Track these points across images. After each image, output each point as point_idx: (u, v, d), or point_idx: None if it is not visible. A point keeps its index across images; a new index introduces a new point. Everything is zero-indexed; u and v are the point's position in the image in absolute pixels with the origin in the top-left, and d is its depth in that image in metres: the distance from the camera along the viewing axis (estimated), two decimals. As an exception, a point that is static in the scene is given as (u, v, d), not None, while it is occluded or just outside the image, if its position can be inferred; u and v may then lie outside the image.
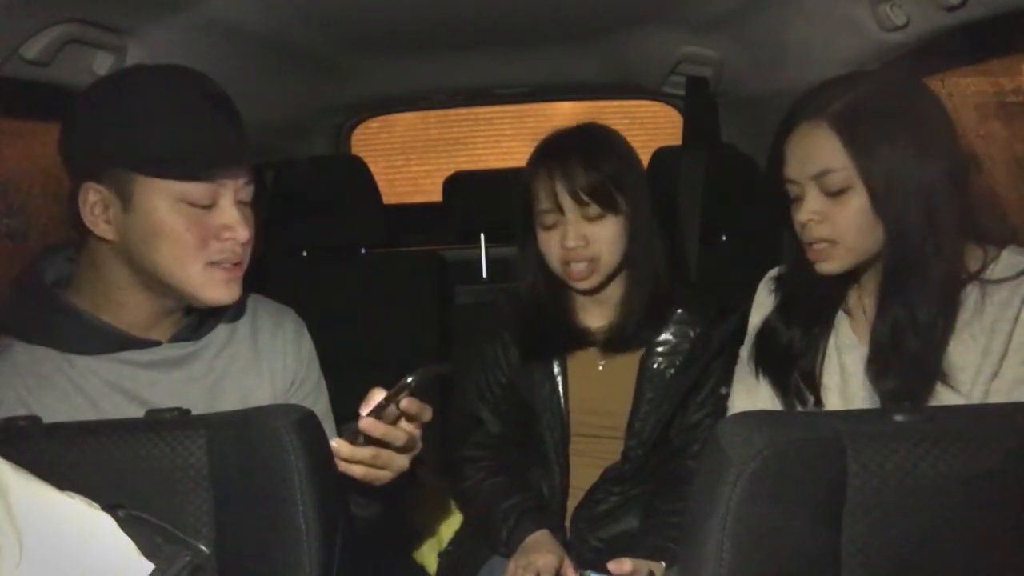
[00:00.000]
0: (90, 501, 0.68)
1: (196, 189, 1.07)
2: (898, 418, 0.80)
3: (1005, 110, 1.71)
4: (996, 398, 1.09)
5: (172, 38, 1.53)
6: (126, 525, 0.68)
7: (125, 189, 1.06)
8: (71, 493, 0.68)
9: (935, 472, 0.77)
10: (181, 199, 1.06)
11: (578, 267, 1.43)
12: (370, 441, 1.03)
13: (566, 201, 1.41)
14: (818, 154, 1.12)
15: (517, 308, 1.53)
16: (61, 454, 0.89)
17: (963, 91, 1.74)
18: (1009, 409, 0.97)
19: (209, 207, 1.09)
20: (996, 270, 1.12)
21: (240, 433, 0.92)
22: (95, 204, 1.07)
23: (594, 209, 1.41)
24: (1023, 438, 0.79)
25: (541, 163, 1.45)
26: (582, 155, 1.42)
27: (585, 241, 1.41)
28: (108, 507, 0.68)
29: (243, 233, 1.11)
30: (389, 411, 1.02)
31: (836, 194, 1.11)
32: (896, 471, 0.77)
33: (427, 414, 1.07)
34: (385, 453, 1.05)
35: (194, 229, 1.08)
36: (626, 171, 1.44)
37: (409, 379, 1.01)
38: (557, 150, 1.45)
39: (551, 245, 1.44)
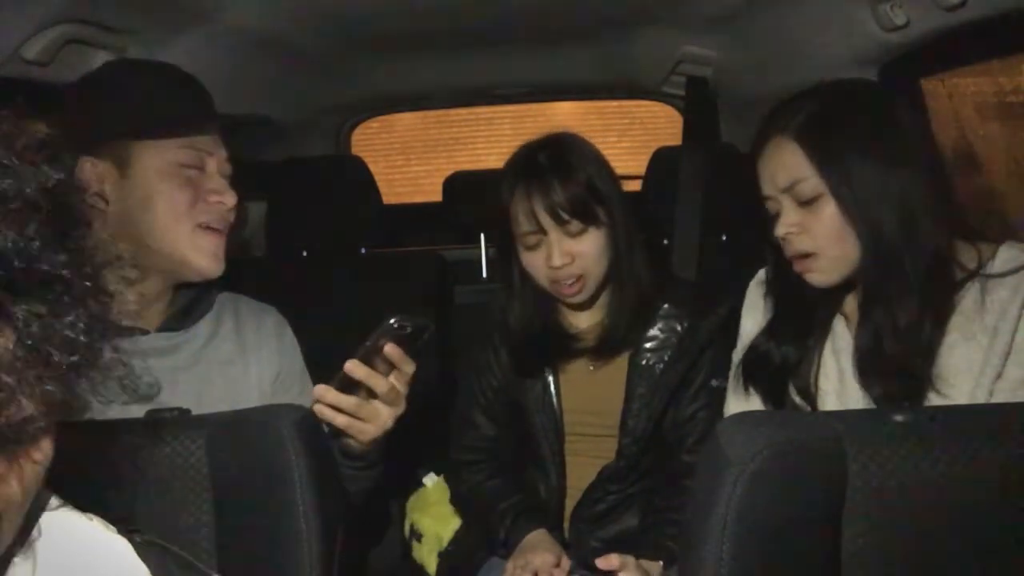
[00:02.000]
0: (107, 524, 0.67)
1: (187, 153, 1.16)
2: (898, 418, 0.80)
3: (1005, 110, 1.71)
4: (999, 399, 1.08)
5: (172, 38, 1.54)
6: (142, 550, 0.67)
7: (123, 156, 1.14)
8: (90, 516, 0.67)
9: (935, 472, 0.77)
10: (174, 162, 1.15)
11: (567, 284, 1.42)
12: (352, 390, 1.06)
13: (546, 220, 1.39)
14: (786, 167, 1.13)
15: (505, 323, 1.52)
16: (60, 454, 0.89)
17: (963, 91, 1.75)
18: (1009, 409, 0.96)
19: (199, 170, 1.17)
20: (994, 266, 1.11)
21: (240, 433, 0.93)
22: (91, 178, 1.13)
23: (575, 225, 1.39)
24: (1023, 438, 0.79)
25: (516, 183, 1.42)
26: (556, 172, 1.39)
27: (571, 258, 1.39)
28: (126, 531, 0.68)
29: (230, 198, 1.20)
30: (370, 353, 1.05)
31: (809, 203, 1.12)
32: (896, 471, 0.77)
33: (410, 366, 1.10)
34: (368, 405, 1.07)
35: (187, 189, 1.16)
36: (601, 180, 1.42)
37: (391, 321, 1.05)
38: (530, 168, 1.42)
39: (536, 265, 1.43)
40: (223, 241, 1.21)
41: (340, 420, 1.07)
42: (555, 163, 1.41)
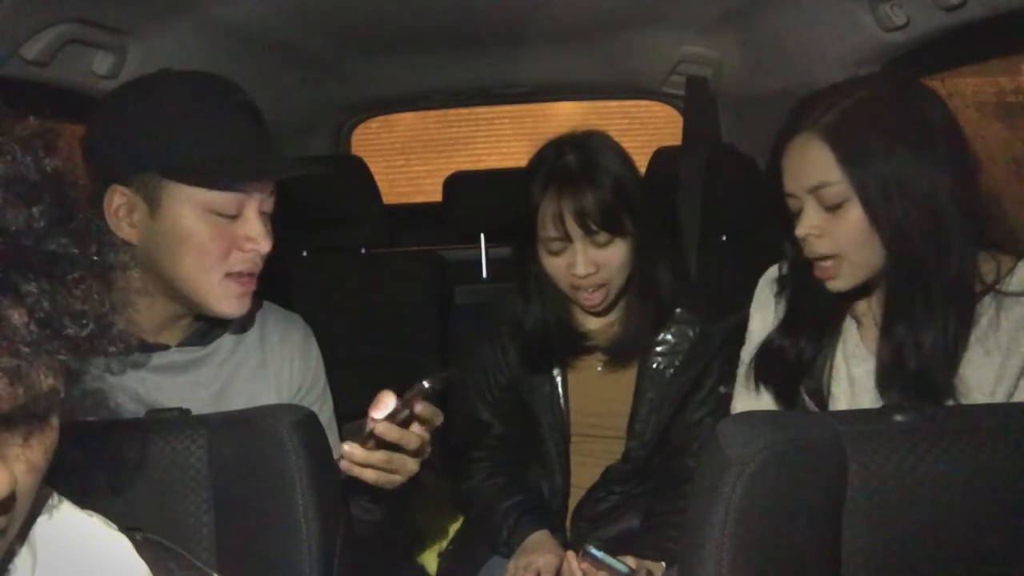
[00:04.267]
0: (108, 521, 0.68)
1: (225, 199, 1.07)
2: (898, 418, 0.80)
3: (1005, 110, 1.71)
4: None
5: (172, 38, 1.54)
6: (142, 548, 0.67)
7: (153, 194, 1.05)
8: (90, 512, 0.67)
9: (935, 472, 0.77)
10: (209, 208, 1.06)
11: (588, 292, 1.41)
12: (381, 445, 1.03)
13: (574, 229, 1.36)
14: (813, 167, 1.09)
15: (517, 319, 1.51)
16: (60, 453, 0.89)
17: (963, 91, 1.75)
18: (1009, 409, 0.96)
19: (234, 217, 1.09)
20: (1012, 282, 1.07)
21: (240, 433, 0.93)
22: (120, 207, 1.06)
23: (603, 236, 1.37)
24: (1023, 438, 0.79)
25: (546, 186, 1.39)
26: (587, 177, 1.36)
27: (595, 268, 1.38)
28: (125, 529, 0.68)
29: (265, 245, 1.12)
30: (402, 415, 1.02)
31: (834, 208, 1.08)
32: (896, 471, 0.77)
33: (439, 418, 1.07)
34: (397, 457, 1.04)
35: (219, 239, 1.08)
36: (631, 185, 1.39)
37: (425, 383, 1.01)
38: (560, 171, 1.38)
39: (559, 271, 1.41)
40: (253, 282, 1.14)
41: (368, 475, 1.04)
42: (586, 166, 1.37)
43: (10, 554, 0.59)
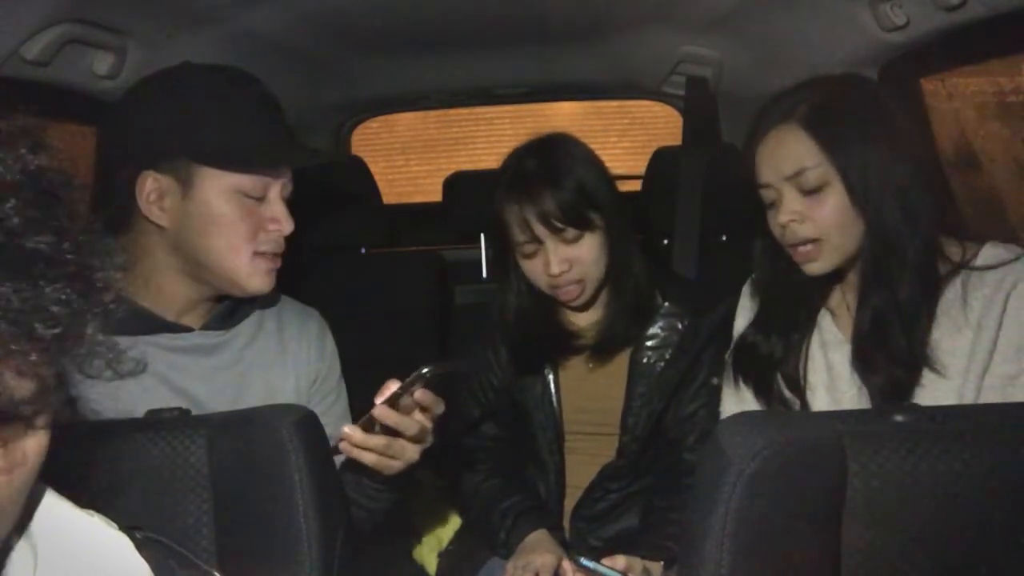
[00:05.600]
0: (108, 520, 0.68)
1: (251, 181, 1.13)
2: (898, 418, 0.80)
3: (1005, 110, 1.71)
4: (989, 394, 1.09)
5: (172, 38, 1.54)
6: (142, 547, 0.67)
7: (185, 179, 1.11)
8: (90, 511, 0.67)
9: (935, 472, 0.77)
10: (237, 190, 1.12)
11: (567, 289, 1.42)
12: (383, 430, 1.05)
13: (540, 230, 1.38)
14: (792, 155, 1.14)
15: (505, 322, 1.52)
16: (60, 453, 0.90)
17: (963, 91, 1.75)
18: (1009, 409, 0.97)
19: (260, 200, 1.15)
20: (978, 260, 1.14)
21: (240, 433, 0.93)
22: (152, 192, 1.11)
23: (571, 232, 1.38)
24: (1022, 438, 0.79)
25: (508, 193, 1.42)
26: (546, 180, 1.38)
27: (569, 264, 1.39)
28: (126, 528, 0.68)
29: (288, 226, 1.17)
30: (403, 401, 1.04)
31: (813, 192, 1.13)
32: (896, 471, 0.77)
33: (440, 407, 1.09)
34: (397, 443, 1.06)
35: (247, 219, 1.13)
36: (593, 183, 1.41)
37: (424, 370, 1.03)
38: (520, 177, 1.41)
39: (536, 272, 1.43)
40: (278, 263, 1.19)
41: (368, 459, 1.06)
42: (545, 170, 1.40)
43: (9, 552, 0.59)
